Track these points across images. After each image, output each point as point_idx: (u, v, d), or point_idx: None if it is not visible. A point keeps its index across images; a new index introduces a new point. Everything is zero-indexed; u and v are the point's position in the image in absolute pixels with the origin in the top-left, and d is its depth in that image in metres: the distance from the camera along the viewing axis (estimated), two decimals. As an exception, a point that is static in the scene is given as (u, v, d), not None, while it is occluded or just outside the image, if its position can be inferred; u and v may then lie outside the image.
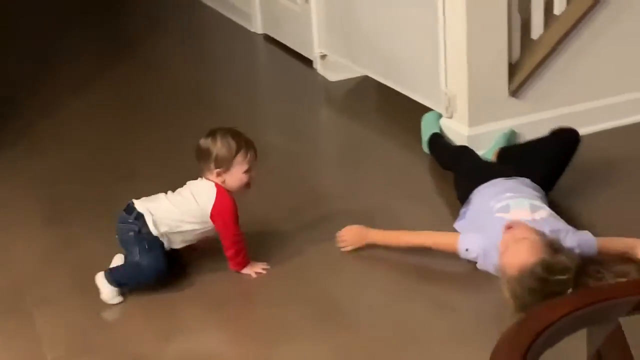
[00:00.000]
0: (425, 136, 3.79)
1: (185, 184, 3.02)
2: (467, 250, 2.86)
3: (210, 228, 2.94)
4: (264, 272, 2.97)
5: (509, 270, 2.64)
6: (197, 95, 4.84)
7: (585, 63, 3.80)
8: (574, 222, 2.99)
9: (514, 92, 3.69)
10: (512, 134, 3.68)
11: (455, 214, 3.20)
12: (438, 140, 3.75)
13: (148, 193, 3.62)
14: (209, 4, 6.43)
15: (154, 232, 2.89)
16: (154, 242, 2.91)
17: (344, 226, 3.13)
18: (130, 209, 2.94)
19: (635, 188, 3.43)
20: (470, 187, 3.14)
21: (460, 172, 3.37)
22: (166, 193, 2.99)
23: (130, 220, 2.91)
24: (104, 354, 2.66)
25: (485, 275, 2.82)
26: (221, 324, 2.80)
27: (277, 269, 3.01)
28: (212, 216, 2.90)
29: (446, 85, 3.75)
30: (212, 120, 4.35)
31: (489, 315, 2.68)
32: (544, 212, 2.90)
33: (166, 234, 2.92)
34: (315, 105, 4.68)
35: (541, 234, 2.70)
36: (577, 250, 2.75)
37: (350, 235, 3.09)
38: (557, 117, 3.76)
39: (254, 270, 2.97)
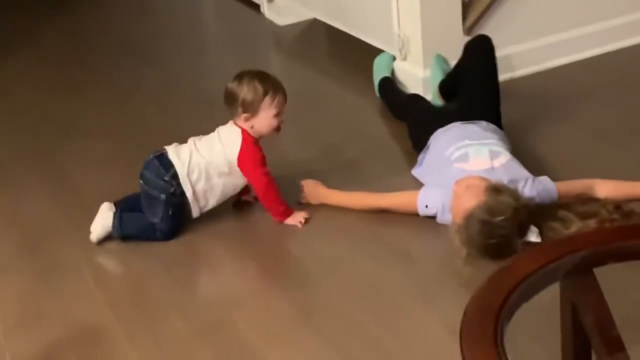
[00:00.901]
0: (376, 80, 3.70)
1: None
2: (427, 206, 2.80)
3: (240, 179, 2.85)
4: (304, 220, 2.87)
5: (456, 219, 2.63)
6: (142, 47, 4.68)
7: (540, -3, 3.72)
8: (530, 161, 2.95)
9: (469, 31, 3.60)
10: (439, 60, 3.56)
11: (411, 161, 3.14)
12: (388, 86, 3.65)
13: (99, 151, 3.53)
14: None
15: (189, 194, 2.81)
16: (180, 208, 2.84)
17: (300, 179, 3.03)
18: (166, 162, 2.81)
19: (590, 122, 3.38)
20: (425, 135, 3.07)
21: (412, 121, 3.29)
22: (194, 140, 2.88)
23: (167, 179, 2.81)
24: (58, 321, 2.55)
25: (445, 225, 2.76)
26: (181, 283, 2.69)
27: (235, 226, 2.92)
28: (239, 164, 2.81)
29: (399, 27, 3.65)
30: (159, 73, 4.28)
31: (450, 265, 2.60)
32: (504, 157, 2.84)
33: (199, 193, 2.82)
34: (265, 51, 4.56)
35: (488, 180, 2.65)
36: (537, 200, 2.73)
37: (308, 191, 3.00)
38: (514, 54, 3.70)
39: (297, 220, 2.87)
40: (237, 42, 4.64)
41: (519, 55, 3.72)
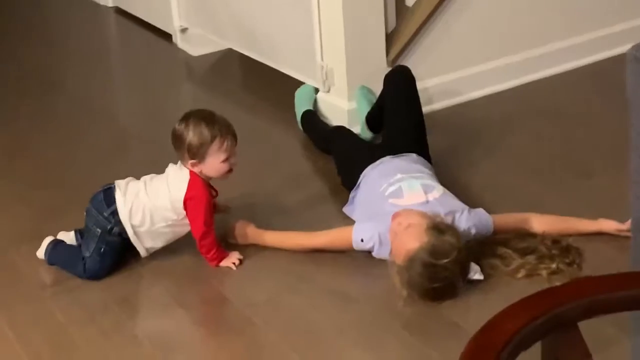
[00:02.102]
0: (299, 114, 3.61)
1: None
2: (362, 240, 2.71)
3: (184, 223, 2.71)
4: (238, 262, 2.74)
5: (397, 260, 2.55)
6: (45, 79, 4.46)
7: (461, 29, 3.70)
8: (458, 193, 2.90)
9: (393, 62, 3.55)
10: (363, 91, 3.50)
11: (339, 196, 3.06)
12: (311, 119, 3.57)
13: (4, 190, 3.32)
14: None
15: (130, 234, 2.68)
16: (113, 247, 2.70)
17: (221, 220, 2.88)
18: (110, 197, 2.68)
19: (513, 153, 3.37)
20: (354, 172, 2.99)
21: (340, 157, 3.20)
22: (145, 180, 2.74)
23: (106, 215, 2.67)
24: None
25: (380, 261, 2.68)
26: (108, 331, 2.52)
27: (165, 268, 2.76)
28: (184, 204, 2.66)
29: (322, 59, 3.57)
30: (64, 107, 4.08)
31: (389, 304, 2.53)
32: (437, 191, 2.79)
33: (142, 235, 2.69)
34: (178, 83, 4.41)
35: (428, 217, 2.59)
36: (473, 231, 2.69)
37: (239, 232, 2.86)
38: (437, 85, 3.68)
39: (230, 261, 2.74)
40: (149, 72, 4.49)
41: (441, 87, 3.70)
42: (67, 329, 2.53)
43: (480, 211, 2.76)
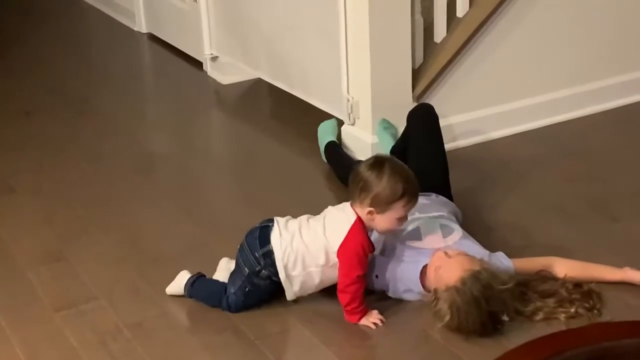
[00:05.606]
0: (322, 145, 3.60)
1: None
2: (377, 277, 2.67)
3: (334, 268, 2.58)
4: (380, 323, 2.59)
5: (447, 281, 2.48)
6: (77, 99, 4.52)
7: (489, 67, 3.69)
8: (480, 232, 2.87)
9: (419, 98, 3.55)
10: (384, 124, 3.49)
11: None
12: (335, 151, 3.56)
13: (29, 208, 3.36)
14: (89, 1, 6.09)
15: (282, 276, 2.60)
16: (259, 289, 2.63)
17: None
18: (265, 237, 2.61)
19: (539, 194, 3.34)
20: None
21: None
22: (301, 222, 2.64)
23: (257, 255, 2.60)
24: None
25: (398, 300, 2.67)
26: (112, 359, 2.52)
27: (173, 296, 2.76)
28: (338, 251, 2.55)
29: (348, 91, 3.57)
30: (93, 127, 4.12)
31: (405, 342, 2.51)
32: (457, 234, 2.76)
33: (294, 279, 2.61)
34: (206, 110, 4.44)
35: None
36: None
37: None
38: (462, 123, 3.67)
39: (370, 320, 2.59)
40: (178, 98, 4.52)
41: (467, 125, 3.68)
42: (78, 352, 2.52)
43: (501, 255, 2.72)
